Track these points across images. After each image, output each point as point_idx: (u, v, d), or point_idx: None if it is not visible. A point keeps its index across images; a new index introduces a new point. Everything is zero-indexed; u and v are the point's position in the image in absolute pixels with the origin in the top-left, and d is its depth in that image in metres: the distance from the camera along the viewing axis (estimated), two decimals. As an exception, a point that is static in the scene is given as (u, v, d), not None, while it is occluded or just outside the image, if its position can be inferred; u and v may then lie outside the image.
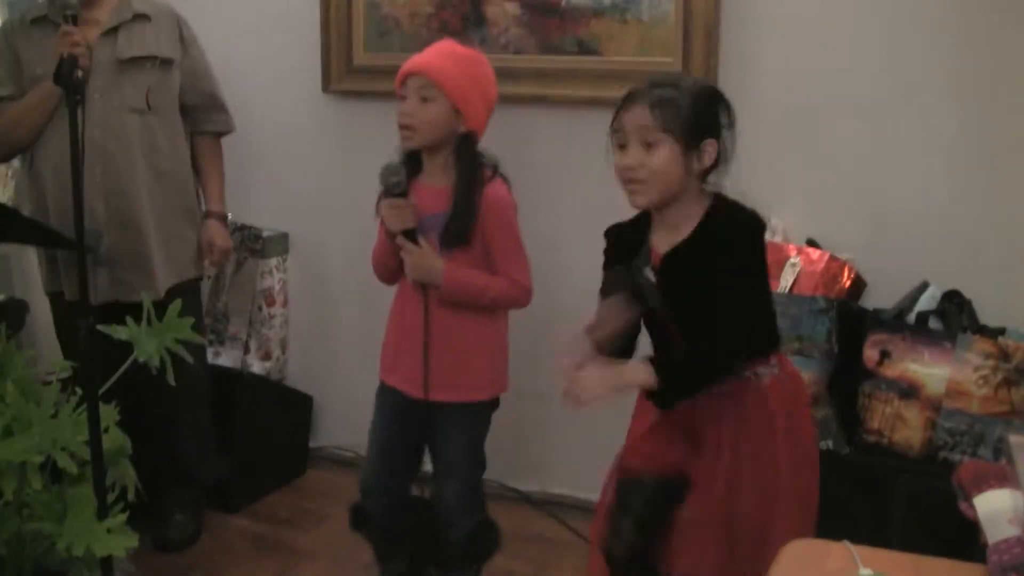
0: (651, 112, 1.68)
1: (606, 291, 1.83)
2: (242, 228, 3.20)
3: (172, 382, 2.00)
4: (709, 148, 1.72)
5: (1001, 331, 2.34)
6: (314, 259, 3.28)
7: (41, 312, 2.88)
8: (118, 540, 1.85)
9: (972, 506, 1.52)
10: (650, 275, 1.77)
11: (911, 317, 2.40)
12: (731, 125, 1.76)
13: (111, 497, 1.93)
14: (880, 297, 2.52)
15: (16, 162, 2.86)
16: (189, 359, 2.07)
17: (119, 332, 2.00)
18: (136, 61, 2.61)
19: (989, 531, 1.44)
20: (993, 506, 1.48)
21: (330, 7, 3.06)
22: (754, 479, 1.76)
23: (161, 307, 2.07)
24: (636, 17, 2.72)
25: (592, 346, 1.76)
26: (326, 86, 3.13)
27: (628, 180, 1.72)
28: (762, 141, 2.66)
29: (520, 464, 3.05)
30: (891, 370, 2.35)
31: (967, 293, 2.43)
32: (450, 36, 2.63)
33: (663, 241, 1.77)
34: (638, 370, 1.69)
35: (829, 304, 2.42)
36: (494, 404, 2.36)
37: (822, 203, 2.64)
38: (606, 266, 1.88)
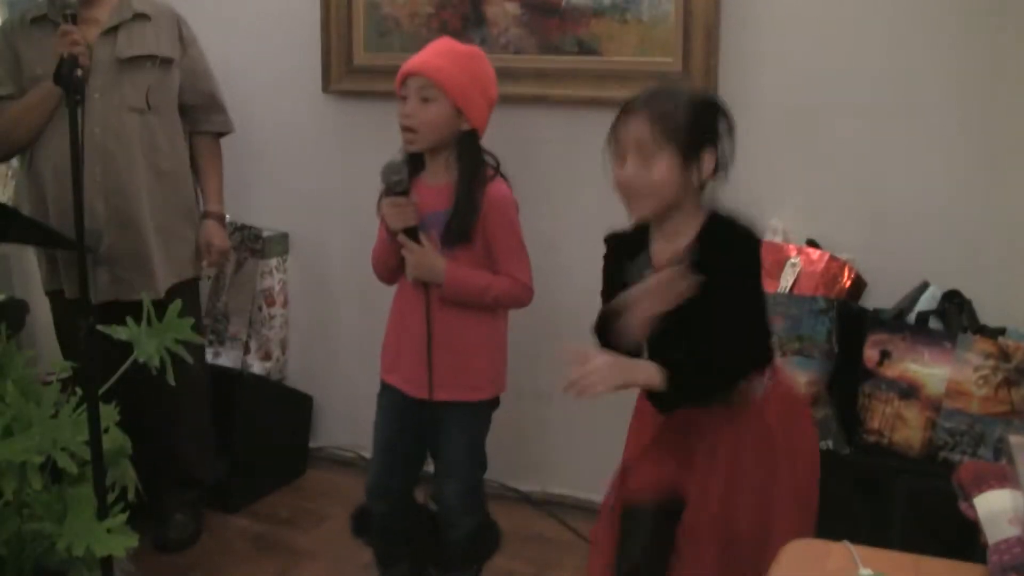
0: (649, 124, 1.68)
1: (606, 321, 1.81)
2: (242, 228, 3.20)
3: (172, 382, 2.00)
4: (708, 158, 1.72)
5: (1001, 331, 2.34)
6: (314, 259, 3.28)
7: (41, 312, 2.88)
8: (118, 540, 1.85)
9: (972, 506, 1.52)
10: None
11: (911, 317, 2.40)
12: (730, 133, 1.75)
13: (111, 497, 1.93)
14: (880, 297, 2.52)
15: (15, 162, 2.86)
16: (189, 359, 2.07)
17: (119, 332, 2.00)
18: (136, 61, 2.61)
19: (989, 531, 1.44)
20: (993, 506, 1.48)
21: (330, 7, 3.06)
22: (752, 495, 1.76)
23: (160, 307, 2.07)
24: (636, 17, 2.72)
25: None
26: (326, 86, 3.13)
27: (626, 192, 1.72)
28: (762, 141, 2.67)
29: (520, 464, 3.05)
30: (891, 370, 2.35)
31: (967, 293, 2.43)
32: (450, 36, 2.63)
33: (663, 250, 1.77)
34: (647, 369, 1.68)
35: (829, 304, 2.42)
36: (494, 404, 2.36)
37: (822, 203, 2.64)
38: (606, 271, 1.87)
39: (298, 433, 3.29)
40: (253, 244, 3.19)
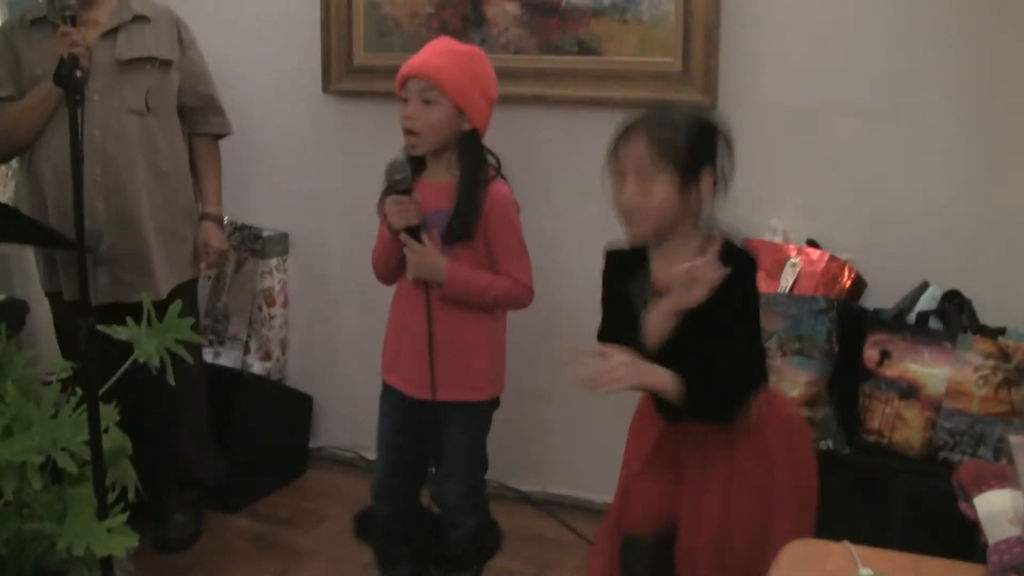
0: (649, 147, 1.68)
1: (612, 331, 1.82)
2: (242, 228, 3.20)
3: (172, 383, 2.00)
4: (706, 179, 1.73)
5: (1001, 331, 2.34)
6: (314, 259, 3.28)
7: (41, 312, 2.88)
8: (118, 540, 1.85)
9: (972, 506, 1.52)
10: (646, 301, 1.77)
11: (911, 317, 2.40)
12: (728, 152, 1.76)
13: (111, 497, 1.92)
14: (880, 297, 2.52)
15: (15, 162, 2.86)
16: (190, 360, 2.07)
17: (119, 332, 2.00)
18: (135, 63, 2.61)
19: (989, 531, 1.45)
20: (993, 506, 1.48)
21: (330, 7, 3.06)
22: (748, 514, 1.77)
23: (159, 308, 2.07)
24: (636, 17, 2.72)
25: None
26: (326, 86, 3.13)
27: (625, 213, 1.73)
28: (762, 141, 2.67)
29: (520, 464, 3.05)
30: (891, 370, 2.35)
31: (967, 293, 2.43)
32: (449, 36, 2.63)
33: (664, 269, 1.77)
34: (663, 374, 1.67)
35: (829, 304, 2.41)
36: (494, 404, 2.36)
37: (822, 203, 2.64)
38: (606, 286, 1.87)
39: (298, 433, 3.29)
40: (253, 244, 3.19)
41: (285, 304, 3.25)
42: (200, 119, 2.83)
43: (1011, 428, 2.21)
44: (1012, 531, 1.41)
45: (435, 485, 2.40)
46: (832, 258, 2.50)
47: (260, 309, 3.19)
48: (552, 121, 2.89)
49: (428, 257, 2.19)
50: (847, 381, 2.41)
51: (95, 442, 1.83)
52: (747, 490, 1.77)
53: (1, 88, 2.60)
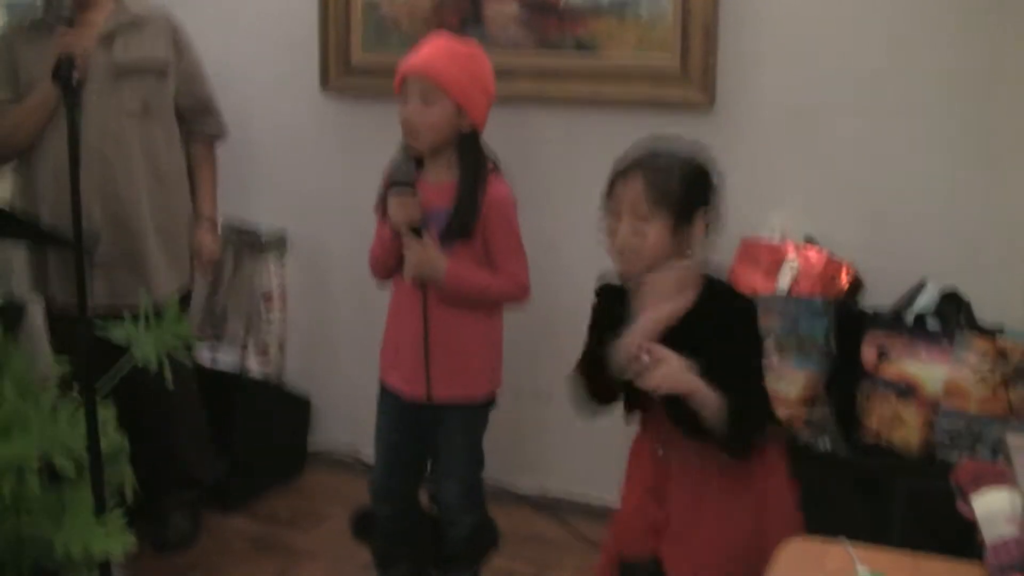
0: (644, 190, 1.70)
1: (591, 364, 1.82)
2: (240, 228, 3.20)
3: (170, 385, 2.00)
4: (699, 221, 1.75)
5: (999, 331, 2.33)
6: (313, 259, 3.27)
7: (38, 313, 2.87)
8: (116, 541, 1.85)
9: (970, 506, 1.52)
10: None
11: (909, 317, 2.39)
12: (719, 193, 1.79)
13: (109, 499, 1.92)
14: (879, 297, 2.51)
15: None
16: (189, 363, 2.07)
17: (116, 334, 2.00)
18: (132, 66, 2.60)
19: (987, 531, 1.45)
20: (991, 506, 1.48)
21: (328, 7, 3.05)
22: (733, 549, 1.78)
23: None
24: (634, 16, 2.72)
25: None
26: (324, 86, 3.13)
27: (619, 252, 1.75)
28: (760, 140, 2.67)
29: (520, 464, 3.05)
30: (889, 370, 2.35)
31: (965, 293, 2.43)
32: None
33: (653, 313, 1.77)
34: (703, 384, 1.68)
35: (827, 304, 2.41)
36: (492, 402, 2.36)
37: (820, 202, 2.64)
38: (595, 320, 1.88)
39: (297, 433, 3.29)
40: (251, 244, 3.19)
41: (283, 304, 3.25)
42: (196, 122, 2.83)
43: (1009, 428, 2.20)
44: (1010, 530, 1.41)
45: (433, 484, 2.41)
46: (830, 259, 2.50)
47: (258, 309, 3.19)
48: (551, 120, 2.89)
49: (428, 255, 2.18)
50: (845, 381, 2.41)
51: (93, 443, 1.83)
52: (731, 536, 1.78)
53: None
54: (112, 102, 2.57)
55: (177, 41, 2.73)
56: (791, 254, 2.52)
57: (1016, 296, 2.42)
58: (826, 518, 1.82)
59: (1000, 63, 2.44)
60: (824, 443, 2.40)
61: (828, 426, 2.40)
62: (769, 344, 2.39)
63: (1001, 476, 1.53)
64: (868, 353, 2.38)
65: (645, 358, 1.65)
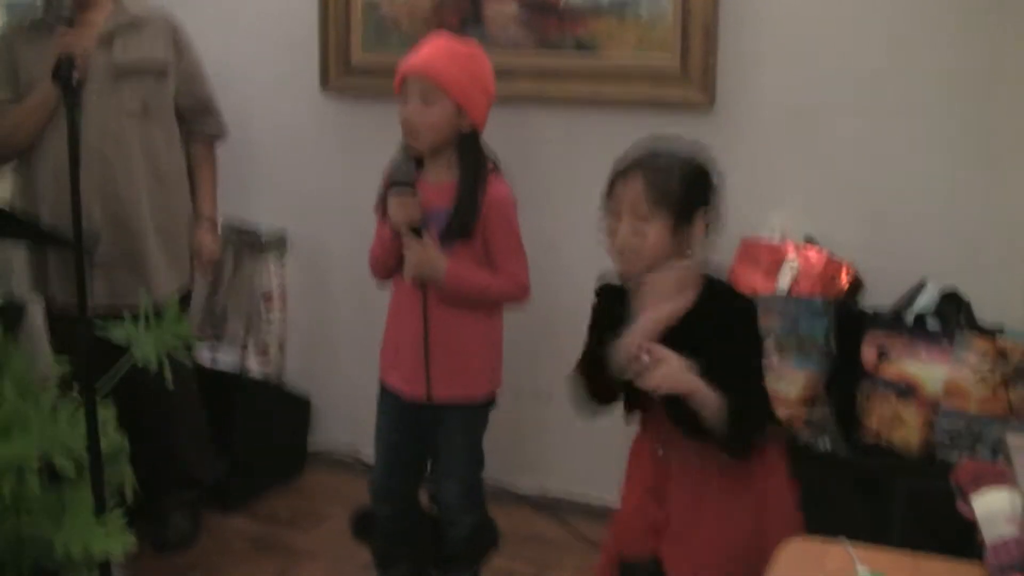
0: (644, 190, 1.71)
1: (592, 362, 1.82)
2: (240, 228, 3.20)
3: (170, 385, 2.00)
4: (699, 221, 1.75)
5: (999, 331, 2.33)
6: (313, 259, 3.27)
7: (38, 313, 2.87)
8: (116, 541, 1.85)
9: (970, 506, 1.52)
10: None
11: (909, 317, 2.39)
12: (718, 193, 1.79)
13: (110, 500, 1.92)
14: (878, 296, 2.51)
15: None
16: (189, 363, 2.07)
17: (116, 333, 2.00)
18: (132, 67, 2.60)
19: (987, 530, 1.45)
20: (991, 506, 1.48)
21: (328, 6, 3.05)
22: (731, 560, 1.78)
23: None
24: (634, 16, 2.72)
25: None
26: (324, 86, 3.13)
27: (619, 252, 1.75)
28: (760, 140, 2.67)
29: (520, 464, 3.05)
30: (889, 370, 2.35)
31: (965, 293, 2.43)
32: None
33: (652, 313, 1.77)
34: (703, 384, 1.68)
35: (827, 304, 2.41)
36: (492, 403, 2.36)
37: (821, 203, 2.64)
38: (595, 320, 1.88)
39: (297, 433, 3.29)
40: (251, 244, 3.19)
41: (283, 304, 3.25)
42: (196, 122, 2.83)
43: (1009, 428, 2.20)
44: (1010, 530, 1.41)
45: (433, 484, 2.41)
46: (830, 258, 2.50)
47: (258, 309, 3.19)
48: (551, 120, 2.89)
49: (428, 255, 2.18)
50: (845, 381, 2.41)
51: (93, 443, 1.83)
52: (731, 536, 1.79)
53: None
54: (112, 102, 2.57)
55: (177, 41, 2.73)
56: (791, 254, 2.52)
57: (1016, 296, 2.42)
58: (826, 518, 1.82)
59: (1000, 63, 2.44)
60: (824, 443, 2.40)
61: (828, 426, 2.40)
62: (769, 344, 2.39)
63: (1001, 476, 1.53)
64: (868, 353, 2.38)
65: (645, 358, 1.65)
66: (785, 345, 2.41)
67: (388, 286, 2.37)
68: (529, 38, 2.85)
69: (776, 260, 2.52)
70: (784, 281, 2.49)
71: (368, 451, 2.64)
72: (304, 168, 3.24)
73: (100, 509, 1.85)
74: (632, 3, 2.72)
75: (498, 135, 2.33)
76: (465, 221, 2.20)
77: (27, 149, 2.60)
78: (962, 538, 1.54)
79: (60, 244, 2.46)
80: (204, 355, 3.15)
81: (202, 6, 3.10)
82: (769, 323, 2.40)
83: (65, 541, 1.81)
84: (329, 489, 3.15)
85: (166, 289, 2.65)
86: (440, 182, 2.23)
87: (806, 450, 2.38)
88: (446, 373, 2.24)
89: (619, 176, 1.75)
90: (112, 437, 2.02)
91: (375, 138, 2.63)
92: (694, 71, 2.67)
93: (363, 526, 2.48)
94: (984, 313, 2.41)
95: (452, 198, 2.21)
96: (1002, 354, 2.26)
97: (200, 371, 2.93)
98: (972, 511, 1.50)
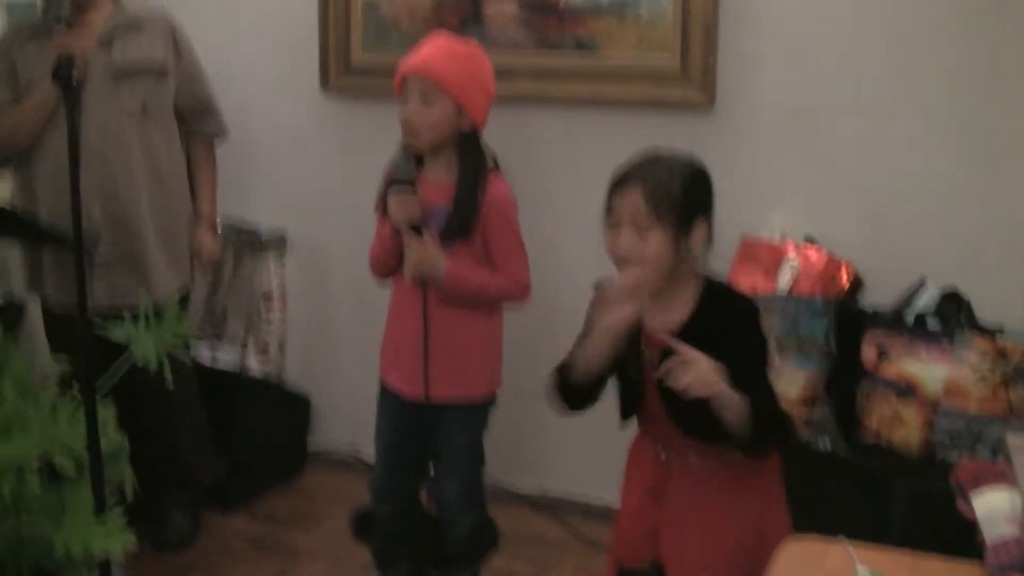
0: (644, 198, 1.70)
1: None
2: (240, 228, 3.20)
3: (170, 384, 2.00)
4: (700, 230, 1.75)
5: (999, 330, 2.33)
6: (313, 259, 3.27)
7: (37, 312, 2.87)
8: (116, 540, 1.84)
9: (970, 506, 1.52)
10: (635, 345, 1.78)
11: (909, 317, 2.39)
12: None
13: (110, 500, 1.92)
14: (879, 296, 2.51)
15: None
16: (188, 361, 2.07)
17: (116, 333, 1.99)
18: (131, 68, 2.60)
19: (987, 530, 1.45)
20: (991, 505, 1.48)
21: (328, 6, 3.05)
22: (731, 561, 1.78)
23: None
24: (634, 16, 2.72)
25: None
26: (324, 85, 3.13)
27: (622, 263, 1.74)
28: (760, 140, 2.67)
29: (520, 464, 3.05)
30: (889, 370, 2.35)
31: (965, 292, 2.43)
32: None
33: (655, 320, 1.77)
34: (729, 389, 1.68)
35: (827, 304, 2.41)
36: (492, 403, 2.36)
37: (821, 202, 2.64)
38: (590, 320, 1.88)
39: (297, 433, 3.29)
40: (251, 244, 3.19)
41: (283, 304, 3.25)
42: (196, 121, 2.83)
43: (1009, 427, 2.20)
44: (1010, 530, 1.41)
45: (433, 484, 2.40)
46: (830, 258, 2.50)
47: (258, 309, 3.19)
48: (551, 120, 2.89)
49: (428, 254, 2.18)
50: (845, 381, 2.41)
51: (93, 442, 1.83)
52: (731, 536, 1.79)
53: None
54: (111, 103, 2.57)
55: (176, 41, 2.73)
56: (791, 254, 2.52)
57: (1016, 296, 2.42)
58: (826, 518, 1.82)
59: (1000, 63, 2.44)
60: (824, 443, 2.40)
61: (828, 426, 2.40)
62: (770, 344, 2.39)
63: (1001, 476, 1.53)
64: (868, 353, 2.38)
65: (684, 368, 1.63)
66: (785, 345, 2.41)
67: (388, 285, 2.37)
68: (529, 38, 2.85)
69: (776, 260, 2.52)
70: (784, 281, 2.49)
71: (368, 451, 2.64)
72: (304, 168, 3.24)
73: (100, 509, 1.85)
74: (632, 3, 2.72)
75: (498, 135, 2.33)
76: (465, 220, 2.19)
77: (27, 150, 2.60)
78: (962, 538, 1.54)
79: (60, 244, 2.46)
80: (204, 354, 3.15)
81: (202, 6, 3.10)
82: (769, 323, 2.39)
83: (65, 541, 1.81)
84: (329, 489, 3.15)
85: (166, 289, 2.65)
86: (440, 181, 2.23)
87: (806, 450, 2.38)
88: (446, 373, 2.24)
89: (617, 187, 1.75)
90: (112, 437, 2.02)
91: (375, 138, 2.62)
92: (694, 71, 2.67)
93: (363, 526, 2.48)
94: (984, 313, 2.41)
95: (452, 197, 2.21)
96: (1002, 354, 2.26)
97: (200, 370, 2.93)
98: (972, 511, 1.50)
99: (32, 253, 2.68)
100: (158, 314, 2.04)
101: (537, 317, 2.58)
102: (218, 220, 2.92)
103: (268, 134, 3.24)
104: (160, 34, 2.68)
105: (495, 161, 2.27)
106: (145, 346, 1.99)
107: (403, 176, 2.17)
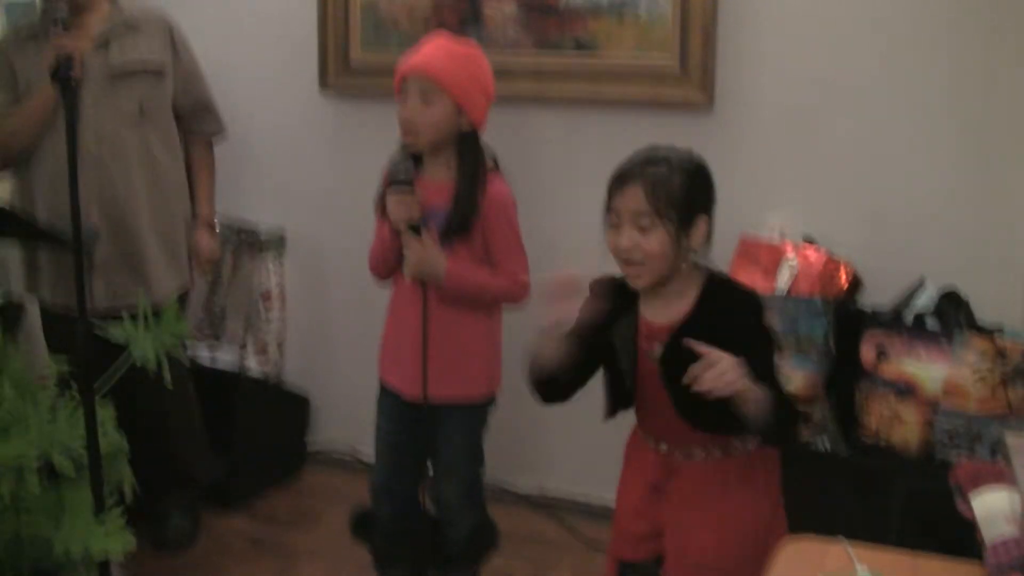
0: (645, 196, 1.70)
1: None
2: (239, 227, 3.20)
3: (169, 385, 1.99)
4: (701, 225, 1.75)
5: (998, 330, 2.34)
6: (311, 258, 3.27)
7: (36, 312, 2.87)
8: (115, 541, 1.84)
9: (969, 505, 1.52)
10: (631, 340, 1.79)
11: (908, 316, 2.40)
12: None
13: (109, 500, 1.92)
14: (878, 296, 2.52)
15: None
16: (187, 362, 2.07)
17: (115, 333, 1.99)
18: (128, 69, 2.59)
19: (986, 530, 1.45)
20: (990, 505, 1.48)
21: (327, 6, 3.05)
22: (732, 553, 1.79)
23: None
24: (634, 16, 2.72)
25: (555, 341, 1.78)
26: (323, 85, 3.13)
27: (625, 261, 1.75)
28: (759, 140, 2.67)
29: (519, 464, 3.05)
30: (888, 369, 2.35)
31: (964, 292, 2.43)
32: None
33: (656, 315, 1.78)
34: (753, 383, 1.67)
35: (826, 304, 2.41)
36: (492, 403, 2.36)
37: (820, 202, 2.64)
38: (585, 311, 1.87)
39: (296, 433, 3.29)
40: (250, 244, 3.18)
41: (282, 303, 3.25)
42: (194, 122, 2.82)
43: (1008, 427, 2.21)
44: (1009, 530, 1.42)
45: (433, 484, 2.40)
46: (829, 258, 2.50)
47: (257, 308, 3.19)
48: (551, 120, 2.89)
49: (428, 254, 2.18)
50: (844, 381, 2.41)
51: (92, 442, 1.83)
52: (733, 531, 1.79)
53: None
54: (109, 105, 2.57)
55: (174, 41, 2.72)
56: (790, 254, 2.52)
57: (1015, 296, 2.43)
58: (825, 517, 1.82)
59: (999, 63, 2.44)
60: (823, 443, 2.40)
61: (827, 426, 2.40)
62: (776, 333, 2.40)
63: (1000, 476, 1.53)
64: (867, 352, 2.38)
65: (709, 369, 1.61)
66: (784, 345, 2.41)
67: (388, 285, 2.37)
68: (528, 38, 2.85)
69: (775, 260, 2.52)
70: (783, 281, 2.49)
71: (367, 451, 2.64)
72: (303, 168, 3.24)
73: (99, 509, 1.85)
74: (631, 3, 2.72)
75: (498, 135, 2.33)
76: (464, 219, 2.19)
77: (27, 152, 2.60)
78: (961, 538, 1.54)
79: (59, 244, 2.46)
80: (203, 354, 3.15)
81: (200, 6, 3.10)
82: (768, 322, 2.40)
83: (64, 541, 1.81)
84: (329, 489, 3.15)
85: (165, 290, 2.65)
86: (439, 181, 2.23)
87: (805, 450, 2.38)
88: (446, 373, 2.24)
89: (618, 185, 1.75)
90: (111, 437, 2.02)
91: (374, 138, 2.62)
92: (693, 71, 2.67)
93: (363, 526, 2.48)
94: (983, 313, 2.41)
95: (451, 197, 2.21)
96: (1001, 353, 2.26)
97: (199, 370, 2.93)
98: (971, 510, 1.50)
99: (31, 253, 2.68)
100: (157, 314, 2.03)
101: (536, 317, 2.57)
102: (217, 220, 2.92)
103: (267, 134, 3.23)
104: (157, 34, 2.68)
105: (495, 161, 2.28)
106: (144, 346, 1.98)
107: (402, 176, 2.17)
